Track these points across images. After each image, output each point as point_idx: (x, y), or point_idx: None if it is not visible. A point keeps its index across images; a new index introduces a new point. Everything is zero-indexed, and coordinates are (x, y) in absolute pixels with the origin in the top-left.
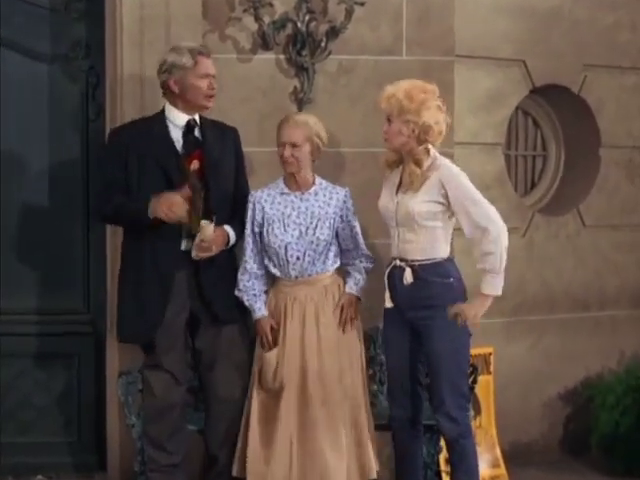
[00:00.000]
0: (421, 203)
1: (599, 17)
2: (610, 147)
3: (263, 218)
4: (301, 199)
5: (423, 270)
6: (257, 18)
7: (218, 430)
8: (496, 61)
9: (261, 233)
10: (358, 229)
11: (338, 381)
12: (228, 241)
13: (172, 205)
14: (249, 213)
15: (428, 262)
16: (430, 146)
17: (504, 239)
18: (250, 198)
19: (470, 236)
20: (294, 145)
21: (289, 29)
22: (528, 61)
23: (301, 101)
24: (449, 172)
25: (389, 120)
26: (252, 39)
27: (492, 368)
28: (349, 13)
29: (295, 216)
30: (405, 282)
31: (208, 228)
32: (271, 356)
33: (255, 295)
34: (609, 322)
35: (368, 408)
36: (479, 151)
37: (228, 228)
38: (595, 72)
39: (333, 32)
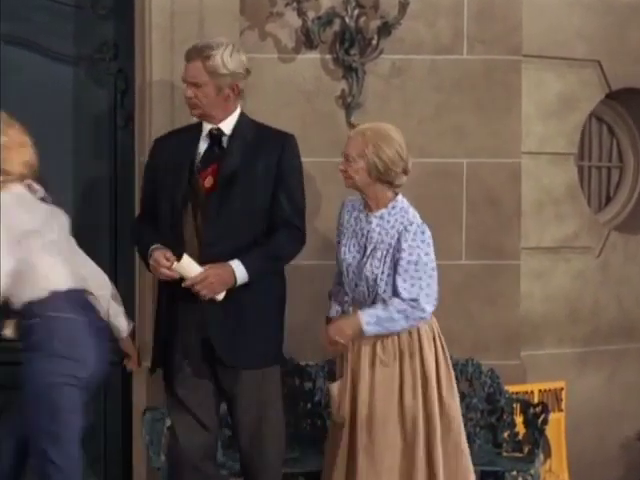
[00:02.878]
0: None
1: None
2: None
3: (341, 227)
4: (367, 220)
5: None
6: (300, 13)
7: None
8: (568, 61)
9: (339, 242)
10: (403, 266)
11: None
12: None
13: (157, 269)
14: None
15: None
16: None
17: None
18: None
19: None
20: (346, 158)
21: (336, 25)
22: (604, 62)
23: (349, 106)
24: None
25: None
26: (295, 37)
27: (564, 405)
28: (403, 7)
29: (359, 238)
30: None
31: (186, 266)
32: (333, 387)
33: (331, 299)
34: None
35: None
36: (548, 161)
37: (235, 263)
38: None
39: (385, 28)
